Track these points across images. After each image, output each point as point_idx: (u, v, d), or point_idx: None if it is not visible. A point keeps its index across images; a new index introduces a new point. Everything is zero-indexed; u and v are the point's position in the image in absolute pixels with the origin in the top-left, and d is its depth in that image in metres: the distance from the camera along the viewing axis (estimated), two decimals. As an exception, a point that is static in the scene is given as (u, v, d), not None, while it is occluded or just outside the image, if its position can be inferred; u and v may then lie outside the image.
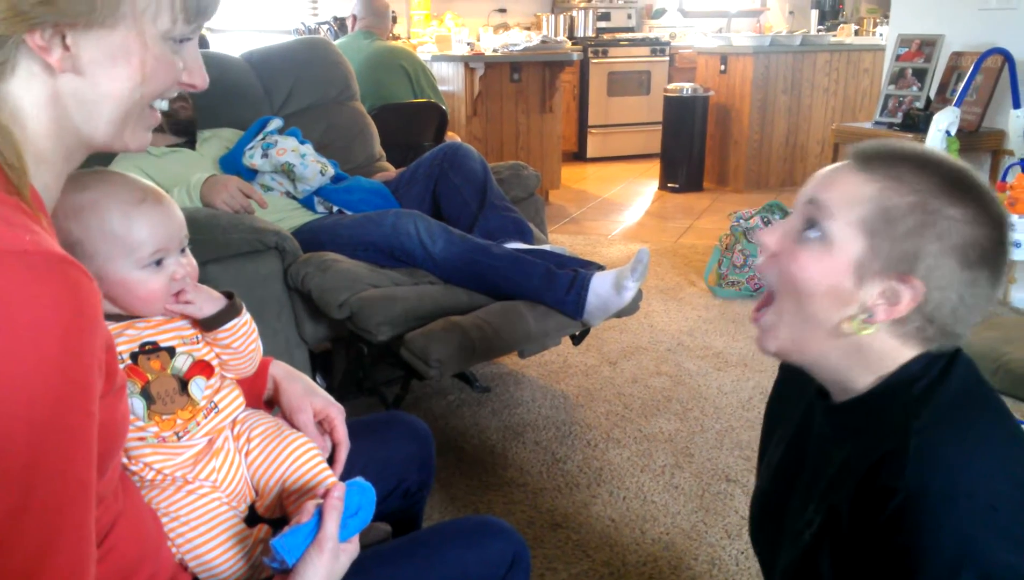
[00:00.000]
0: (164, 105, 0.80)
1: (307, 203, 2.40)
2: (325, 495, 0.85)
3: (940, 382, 0.82)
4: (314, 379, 2.26)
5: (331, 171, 2.45)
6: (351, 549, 0.85)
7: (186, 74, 0.78)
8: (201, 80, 0.80)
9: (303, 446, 1.00)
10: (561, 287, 2.06)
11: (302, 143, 2.43)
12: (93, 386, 0.65)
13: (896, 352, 0.84)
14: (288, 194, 2.39)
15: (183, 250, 0.94)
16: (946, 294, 0.80)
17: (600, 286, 2.04)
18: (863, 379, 0.85)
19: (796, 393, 1.00)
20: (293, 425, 1.07)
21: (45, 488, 0.62)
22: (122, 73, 0.73)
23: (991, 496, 0.75)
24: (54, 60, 0.69)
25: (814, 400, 0.93)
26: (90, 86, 0.72)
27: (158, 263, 0.90)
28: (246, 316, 0.99)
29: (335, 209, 2.40)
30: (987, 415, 0.82)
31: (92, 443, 0.66)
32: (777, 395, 1.09)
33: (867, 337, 0.83)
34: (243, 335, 0.98)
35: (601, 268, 2.16)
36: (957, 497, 0.74)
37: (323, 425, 1.09)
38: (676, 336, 3.03)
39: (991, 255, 0.80)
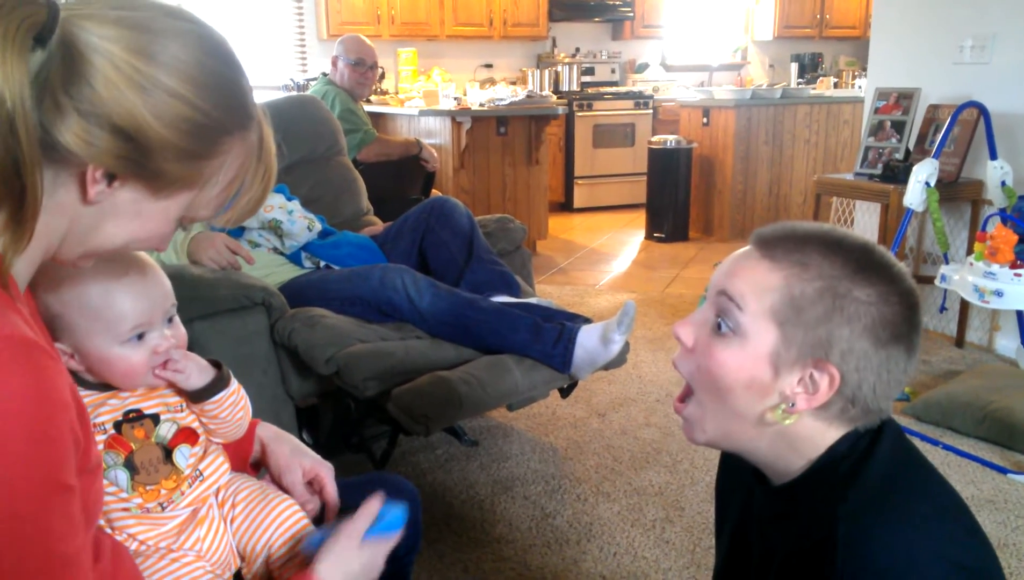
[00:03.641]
0: None
1: (294, 258, 2.41)
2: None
3: (865, 461, 0.81)
4: (300, 435, 2.24)
5: (318, 226, 2.46)
6: (374, 549, 0.92)
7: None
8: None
9: (288, 509, 0.99)
10: (548, 341, 2.06)
11: (289, 199, 2.45)
12: (68, 462, 0.65)
13: (823, 435, 0.83)
14: (275, 250, 2.40)
15: (170, 319, 0.92)
16: (863, 375, 0.80)
17: (587, 339, 2.04)
18: (795, 463, 0.85)
19: (740, 469, 0.98)
20: (281, 486, 1.06)
21: (33, 571, 0.63)
22: (130, 227, 0.74)
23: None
24: (91, 192, 0.69)
25: (752, 484, 0.93)
26: (96, 221, 0.72)
27: (140, 337, 0.88)
28: (234, 386, 0.97)
29: (322, 264, 2.40)
30: (915, 492, 0.80)
31: (75, 516, 0.66)
32: (724, 469, 1.08)
33: (792, 424, 0.82)
34: (230, 406, 0.96)
35: (588, 321, 2.16)
36: None
37: (312, 485, 1.08)
38: (665, 387, 3.02)
39: (903, 331, 0.80)
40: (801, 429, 0.83)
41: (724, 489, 1.07)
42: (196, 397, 0.94)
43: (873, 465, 0.81)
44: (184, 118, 0.69)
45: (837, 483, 0.81)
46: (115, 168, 0.68)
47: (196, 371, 0.93)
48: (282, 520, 0.98)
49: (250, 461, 1.09)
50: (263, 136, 0.79)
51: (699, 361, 0.85)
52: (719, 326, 0.83)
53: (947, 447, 2.49)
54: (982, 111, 3.12)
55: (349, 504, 1.10)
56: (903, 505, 0.78)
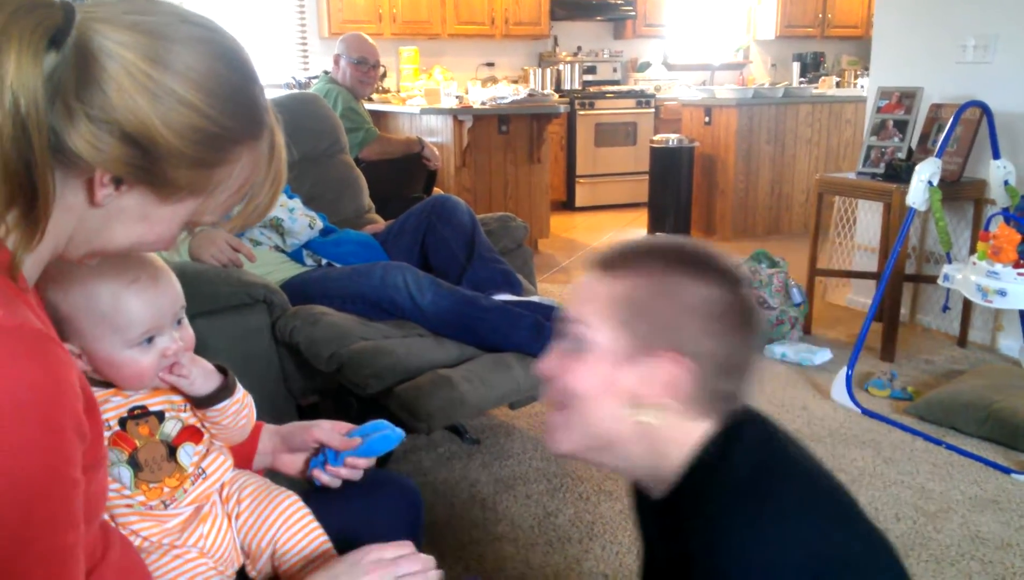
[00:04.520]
0: None
1: (296, 256, 2.41)
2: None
3: (719, 471, 0.84)
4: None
5: (320, 224, 2.46)
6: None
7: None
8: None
9: (293, 506, 0.99)
10: (550, 339, 2.05)
11: (290, 197, 2.45)
12: (75, 455, 0.65)
13: (685, 433, 0.87)
14: (277, 248, 2.40)
15: (179, 321, 0.91)
16: (705, 358, 0.84)
17: (589, 338, 2.04)
18: (664, 470, 0.88)
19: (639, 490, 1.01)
20: (306, 446, 1.09)
21: (36, 560, 0.63)
22: (136, 230, 0.73)
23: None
24: (98, 196, 0.69)
25: (641, 500, 0.95)
26: (102, 223, 0.71)
27: (149, 340, 0.88)
28: (239, 394, 0.96)
29: (324, 262, 2.40)
30: (771, 492, 0.82)
31: (78, 509, 0.66)
32: (633, 489, 1.10)
33: (655, 424, 0.86)
34: (233, 414, 0.95)
35: (590, 319, 2.15)
36: None
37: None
38: (666, 386, 3.02)
39: (735, 311, 0.86)
40: (664, 429, 0.86)
41: (635, 508, 1.09)
42: (199, 403, 0.93)
43: (728, 474, 0.84)
44: (194, 127, 0.68)
45: (697, 496, 0.84)
46: (123, 174, 0.68)
47: (201, 377, 0.92)
48: (288, 516, 0.97)
49: (255, 466, 1.09)
50: (274, 143, 0.78)
51: (559, 382, 0.89)
52: (571, 347, 0.88)
53: (950, 447, 2.49)
54: (985, 110, 3.11)
55: (354, 501, 1.11)
56: (757, 509, 0.80)
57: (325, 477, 1.07)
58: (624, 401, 0.86)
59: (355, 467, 1.07)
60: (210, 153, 0.71)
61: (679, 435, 0.87)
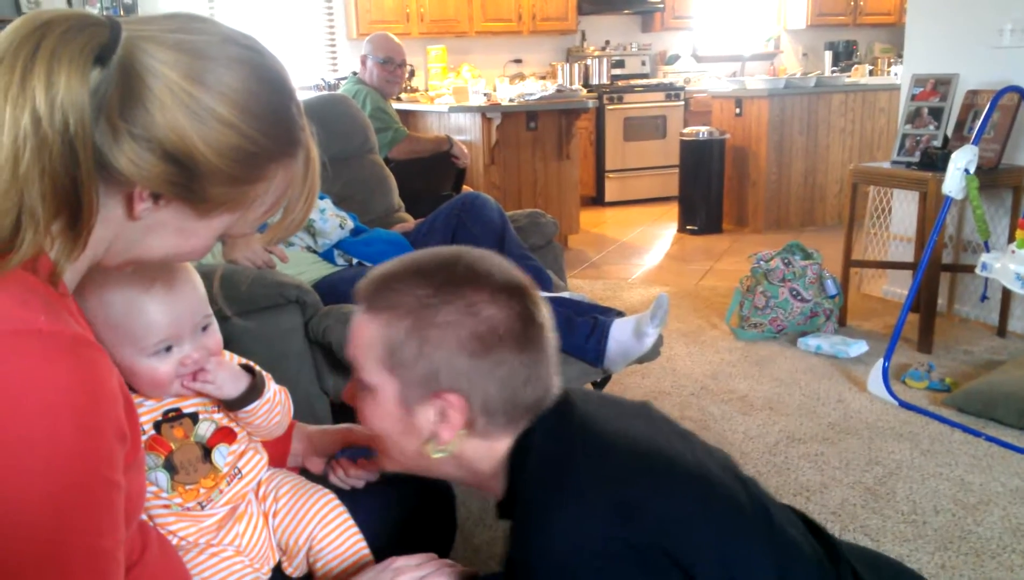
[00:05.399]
0: None
1: (327, 256, 2.43)
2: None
3: (521, 472, 0.84)
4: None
5: (350, 224, 2.48)
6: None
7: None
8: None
9: (329, 504, 1.00)
10: (581, 335, 2.05)
11: (321, 198, 2.47)
12: (114, 457, 0.66)
13: (490, 450, 0.86)
14: (308, 248, 2.42)
15: (205, 328, 0.91)
16: (482, 388, 0.82)
17: (620, 333, 2.03)
18: (490, 480, 0.88)
19: None
20: (333, 448, 1.11)
21: (75, 564, 0.64)
22: (172, 242, 0.74)
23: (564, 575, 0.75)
24: (137, 210, 0.70)
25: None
26: (140, 235, 0.73)
27: (167, 349, 0.87)
28: (268, 394, 0.96)
29: (355, 261, 2.42)
30: (566, 482, 0.80)
31: (119, 512, 0.67)
32: None
33: (456, 451, 0.85)
34: (264, 414, 0.96)
35: (621, 314, 2.15)
36: None
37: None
38: (700, 380, 3.00)
39: (517, 327, 0.82)
40: (467, 452, 0.86)
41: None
42: (229, 406, 0.94)
43: (525, 478, 0.83)
44: (232, 146, 0.69)
45: (513, 503, 0.84)
46: (162, 190, 0.69)
47: (229, 381, 0.92)
48: (324, 513, 0.99)
49: (288, 464, 1.11)
50: (309, 159, 0.79)
51: (361, 418, 0.90)
52: (361, 387, 0.88)
53: (990, 438, 2.45)
54: (1023, 96, 3.05)
55: (387, 497, 1.12)
56: (555, 502, 0.78)
57: (332, 476, 1.08)
58: (419, 440, 0.85)
59: (348, 467, 1.08)
60: (247, 171, 0.72)
61: (486, 453, 0.86)
